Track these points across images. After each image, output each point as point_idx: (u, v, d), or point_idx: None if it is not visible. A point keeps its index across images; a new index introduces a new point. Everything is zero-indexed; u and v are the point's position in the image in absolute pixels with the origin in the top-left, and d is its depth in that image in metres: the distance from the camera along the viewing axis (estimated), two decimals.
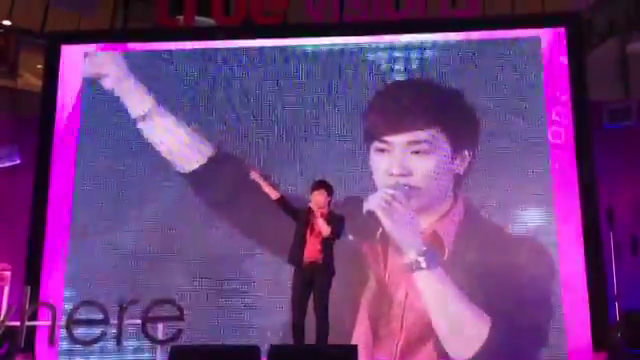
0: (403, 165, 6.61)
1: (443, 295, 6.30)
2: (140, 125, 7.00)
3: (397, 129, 6.69)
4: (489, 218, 6.51)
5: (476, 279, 6.33)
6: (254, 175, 5.30)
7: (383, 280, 6.44)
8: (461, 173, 6.64)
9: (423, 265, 6.32)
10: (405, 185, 6.53)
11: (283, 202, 5.20)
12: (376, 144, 6.73)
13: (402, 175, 6.58)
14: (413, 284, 6.36)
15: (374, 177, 6.68)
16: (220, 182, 6.78)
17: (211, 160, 6.85)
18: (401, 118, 6.73)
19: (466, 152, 6.66)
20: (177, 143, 6.94)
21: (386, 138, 6.69)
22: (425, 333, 6.27)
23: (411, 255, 6.37)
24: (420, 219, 6.51)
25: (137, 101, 7.06)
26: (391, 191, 6.45)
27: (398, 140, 6.65)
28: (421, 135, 6.67)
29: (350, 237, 6.07)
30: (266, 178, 5.36)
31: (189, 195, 6.80)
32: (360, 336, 6.24)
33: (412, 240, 6.41)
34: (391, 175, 6.59)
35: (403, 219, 6.43)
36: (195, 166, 6.85)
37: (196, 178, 6.83)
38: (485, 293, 6.29)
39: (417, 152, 6.64)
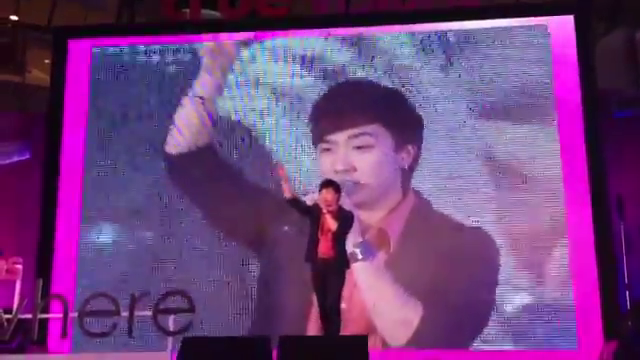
0: (346, 161, 6.68)
1: (379, 285, 6.39)
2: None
3: (339, 127, 6.77)
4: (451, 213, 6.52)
5: (421, 272, 6.39)
6: (280, 171, 5.37)
7: None
8: (406, 167, 6.67)
9: (359, 257, 6.38)
10: (349, 181, 6.51)
11: (296, 201, 5.27)
12: (321, 145, 6.82)
13: (346, 171, 6.62)
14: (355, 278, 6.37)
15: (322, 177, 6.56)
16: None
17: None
18: (342, 116, 6.80)
19: (410, 147, 6.70)
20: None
21: (329, 137, 6.78)
22: (369, 325, 6.32)
23: (348, 248, 6.36)
24: (366, 214, 6.54)
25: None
26: None
27: (341, 137, 6.73)
28: (362, 129, 6.73)
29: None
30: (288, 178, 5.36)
31: (202, 184, 6.87)
32: (311, 331, 6.24)
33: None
34: (336, 172, 6.60)
35: None
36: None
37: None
38: (427, 284, 6.35)
39: (359, 147, 6.71)
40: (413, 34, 6.97)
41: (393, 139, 6.74)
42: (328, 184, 5.25)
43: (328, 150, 6.78)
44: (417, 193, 6.65)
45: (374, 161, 6.69)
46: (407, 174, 6.69)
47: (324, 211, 5.11)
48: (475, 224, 6.49)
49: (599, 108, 6.68)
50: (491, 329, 6.28)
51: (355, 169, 6.65)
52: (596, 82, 6.68)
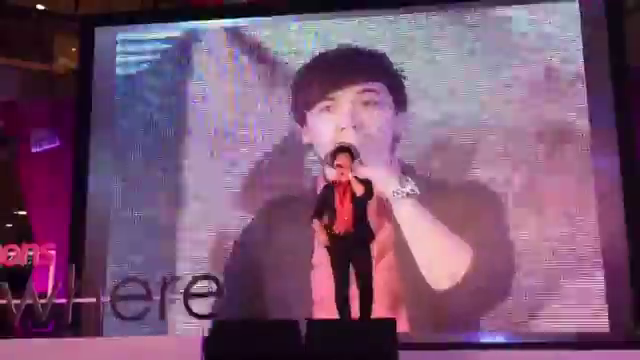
0: (354, 117, 6.50)
1: (424, 223, 6.26)
2: None
3: (342, 85, 6.60)
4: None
5: None
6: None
7: None
8: (398, 133, 6.56)
9: (407, 189, 6.31)
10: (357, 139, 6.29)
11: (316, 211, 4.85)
12: (321, 104, 6.64)
13: (354, 127, 6.45)
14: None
15: (322, 139, 6.54)
16: None
17: None
18: (345, 74, 6.66)
19: (402, 114, 6.58)
20: None
21: (331, 95, 6.60)
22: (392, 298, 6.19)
23: (391, 187, 6.31)
24: None
25: None
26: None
27: (345, 92, 6.57)
28: (369, 86, 6.59)
29: None
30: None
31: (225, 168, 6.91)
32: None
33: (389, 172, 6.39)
34: (343, 129, 6.44)
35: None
36: None
37: None
38: None
39: (367, 103, 6.56)
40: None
41: (393, 99, 6.62)
42: (343, 149, 4.86)
43: (329, 108, 6.60)
44: (401, 162, 6.53)
45: (380, 119, 6.54)
46: (396, 140, 6.56)
47: (350, 178, 4.68)
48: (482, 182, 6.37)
49: (629, 86, 6.53)
50: (518, 308, 6.18)
51: (363, 125, 6.49)
52: (626, 57, 6.51)
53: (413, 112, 6.61)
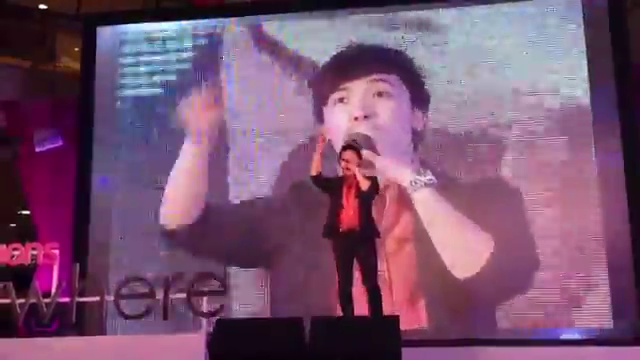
0: (367, 106, 6.45)
1: (444, 212, 6.24)
2: None
3: (354, 76, 6.57)
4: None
5: None
6: (320, 142, 4.89)
7: None
8: (418, 129, 6.50)
9: (425, 180, 6.27)
10: (368, 130, 6.33)
11: (319, 178, 4.83)
12: (334, 95, 6.61)
13: (366, 117, 6.40)
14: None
15: (337, 131, 6.46)
16: None
17: None
18: (357, 66, 6.62)
19: (420, 112, 6.52)
20: None
21: (344, 85, 6.57)
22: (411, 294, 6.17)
23: (408, 176, 6.30)
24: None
25: None
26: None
27: (358, 83, 6.54)
28: (382, 76, 6.55)
29: None
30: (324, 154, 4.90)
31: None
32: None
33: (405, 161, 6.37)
34: (356, 119, 6.42)
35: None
36: None
37: None
38: None
39: (380, 93, 6.51)
40: None
41: (410, 94, 6.57)
42: (349, 146, 4.86)
43: (342, 99, 6.58)
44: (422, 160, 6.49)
45: (394, 109, 6.48)
46: (416, 138, 6.53)
47: (355, 172, 4.64)
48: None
49: (632, 83, 6.52)
50: (521, 304, 6.18)
51: (376, 114, 6.44)
52: (630, 55, 6.51)
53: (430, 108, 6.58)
